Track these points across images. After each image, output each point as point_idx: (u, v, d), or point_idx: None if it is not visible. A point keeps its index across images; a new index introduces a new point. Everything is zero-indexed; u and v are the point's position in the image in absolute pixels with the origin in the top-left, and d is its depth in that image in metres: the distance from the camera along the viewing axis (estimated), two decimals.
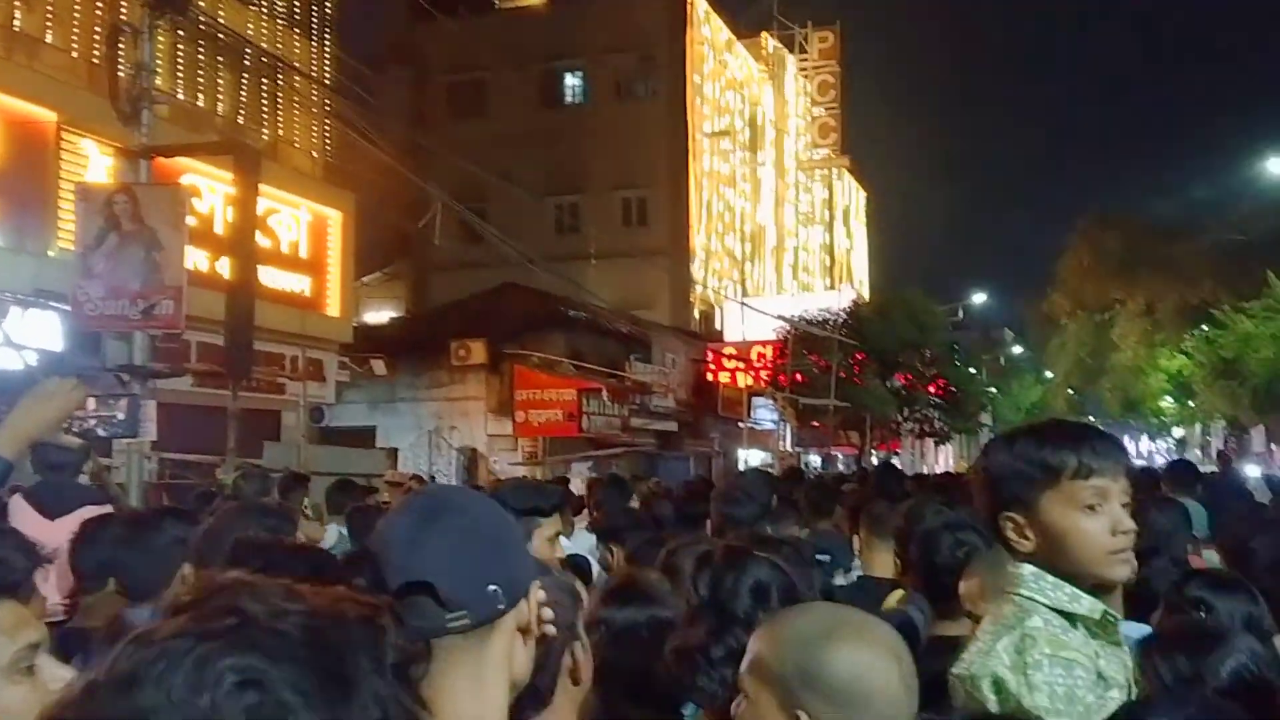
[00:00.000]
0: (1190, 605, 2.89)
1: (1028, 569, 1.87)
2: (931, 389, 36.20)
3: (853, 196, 56.75)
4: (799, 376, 32.25)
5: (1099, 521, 1.84)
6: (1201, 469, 16.17)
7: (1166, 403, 49.26)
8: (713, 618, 2.10)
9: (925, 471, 35.94)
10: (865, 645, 1.52)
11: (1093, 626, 1.83)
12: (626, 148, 36.40)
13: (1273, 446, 35.71)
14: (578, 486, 12.27)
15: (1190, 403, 43.10)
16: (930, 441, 42.09)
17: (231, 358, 11.22)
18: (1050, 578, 1.85)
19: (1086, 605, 1.83)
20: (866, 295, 45.65)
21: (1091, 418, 77.47)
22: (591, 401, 24.21)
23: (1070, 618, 1.83)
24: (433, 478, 16.49)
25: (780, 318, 33.00)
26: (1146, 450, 79.61)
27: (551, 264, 26.29)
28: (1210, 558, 5.40)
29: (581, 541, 6.27)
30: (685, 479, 20.05)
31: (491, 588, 1.39)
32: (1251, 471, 24.50)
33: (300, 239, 18.01)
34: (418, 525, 1.42)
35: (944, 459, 49.84)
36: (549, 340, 25.35)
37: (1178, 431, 60.95)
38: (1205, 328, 35.15)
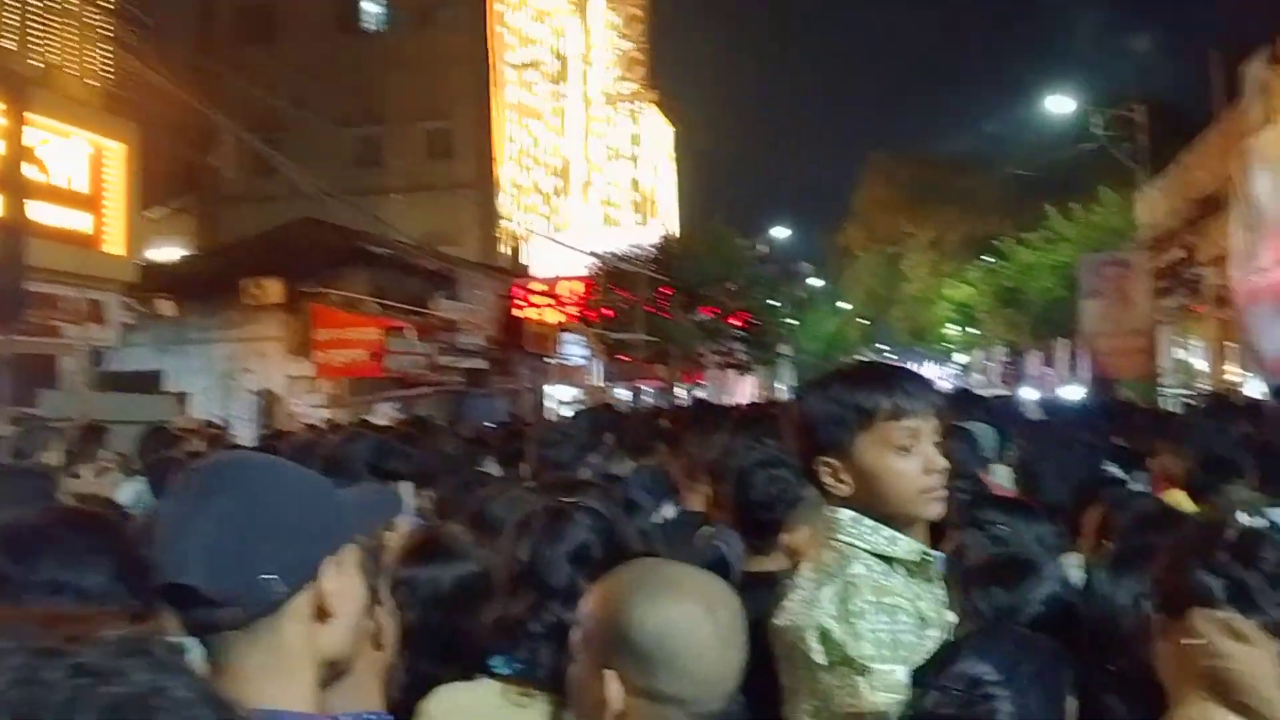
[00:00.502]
0: (985, 528, 3.02)
1: (845, 513, 1.87)
2: (735, 321, 37.01)
3: (660, 132, 57.01)
4: (608, 312, 32.42)
5: (913, 461, 1.86)
6: (984, 392, 17.31)
7: (952, 330, 51.96)
8: (532, 591, 2.04)
9: (729, 402, 36.92)
10: (672, 601, 1.47)
11: (911, 567, 1.86)
12: (429, 78, 35.35)
13: (1047, 370, 38.18)
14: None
15: (974, 330, 45.54)
16: (733, 372, 43.13)
17: (0, 300, 10.44)
18: (868, 521, 1.85)
19: (905, 548, 1.85)
20: (675, 230, 46.11)
21: (881, 346, 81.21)
22: (396, 340, 23.66)
23: (889, 560, 1.84)
24: (227, 423, 15.79)
25: (589, 253, 32.99)
26: (934, 376, 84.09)
27: (352, 198, 25.45)
28: (999, 473, 5.71)
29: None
30: (490, 417, 19.90)
31: (265, 577, 1.28)
32: (1029, 394, 26.19)
33: (77, 172, 16.73)
34: (185, 512, 1.30)
35: (747, 389, 51.26)
36: (350, 277, 24.51)
37: (962, 358, 64.52)
38: (989, 258, 37.05)
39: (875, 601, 1.75)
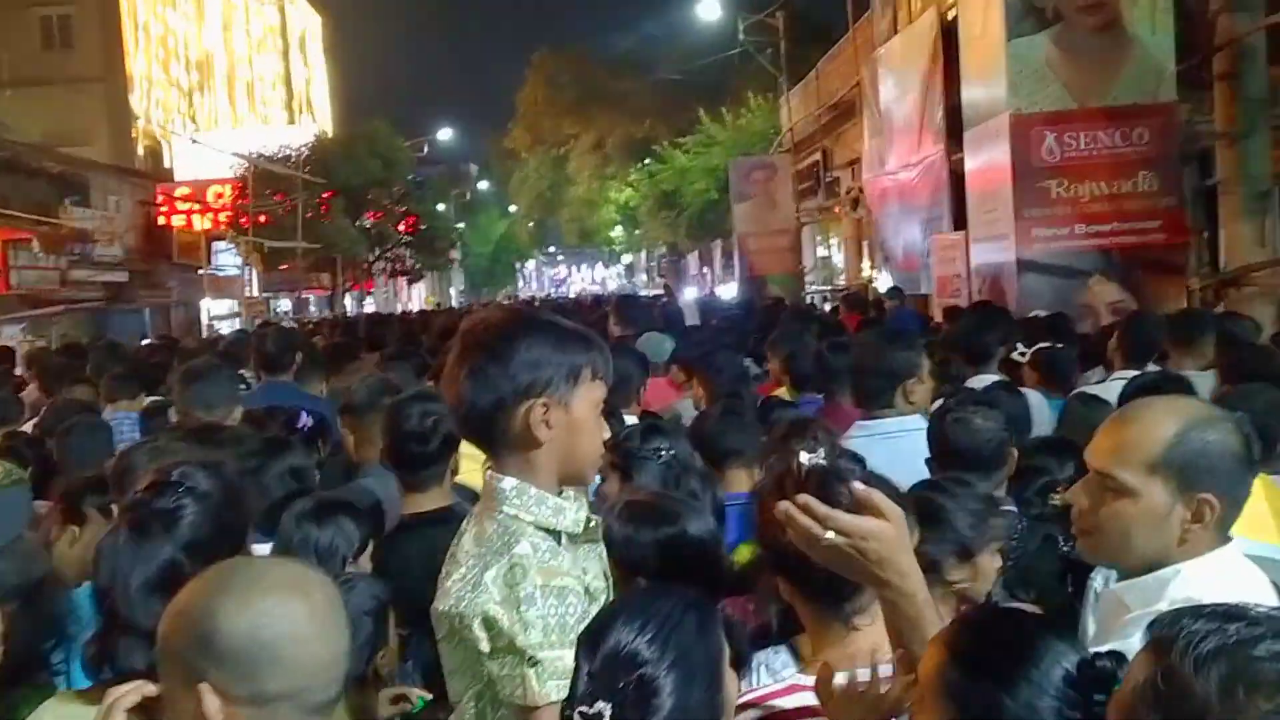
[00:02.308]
0: (654, 456, 3.05)
1: (509, 482, 1.79)
2: (402, 227, 36.16)
3: (308, 22, 53.99)
4: (263, 217, 30.71)
5: (601, 425, 1.86)
6: (647, 291, 17.96)
7: (617, 232, 53.29)
8: (118, 627, 1.82)
9: (401, 310, 36.25)
10: (259, 595, 1.36)
11: (575, 536, 1.81)
12: None
13: (705, 269, 40.06)
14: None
15: (637, 231, 46.88)
16: (403, 280, 42.33)
17: None
18: (533, 491, 1.78)
19: (570, 519, 1.80)
20: (330, 130, 44.11)
21: (551, 248, 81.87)
22: (19, 253, 21.43)
23: (554, 533, 1.78)
24: None
25: (237, 155, 30.99)
26: (600, 277, 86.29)
27: None
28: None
29: None
30: (137, 335, 18.50)
31: None
32: (689, 294, 27.41)
33: None
34: None
35: (417, 297, 50.51)
36: None
37: (627, 258, 66.49)
38: (648, 161, 38.00)
39: (544, 585, 1.69)
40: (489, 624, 1.68)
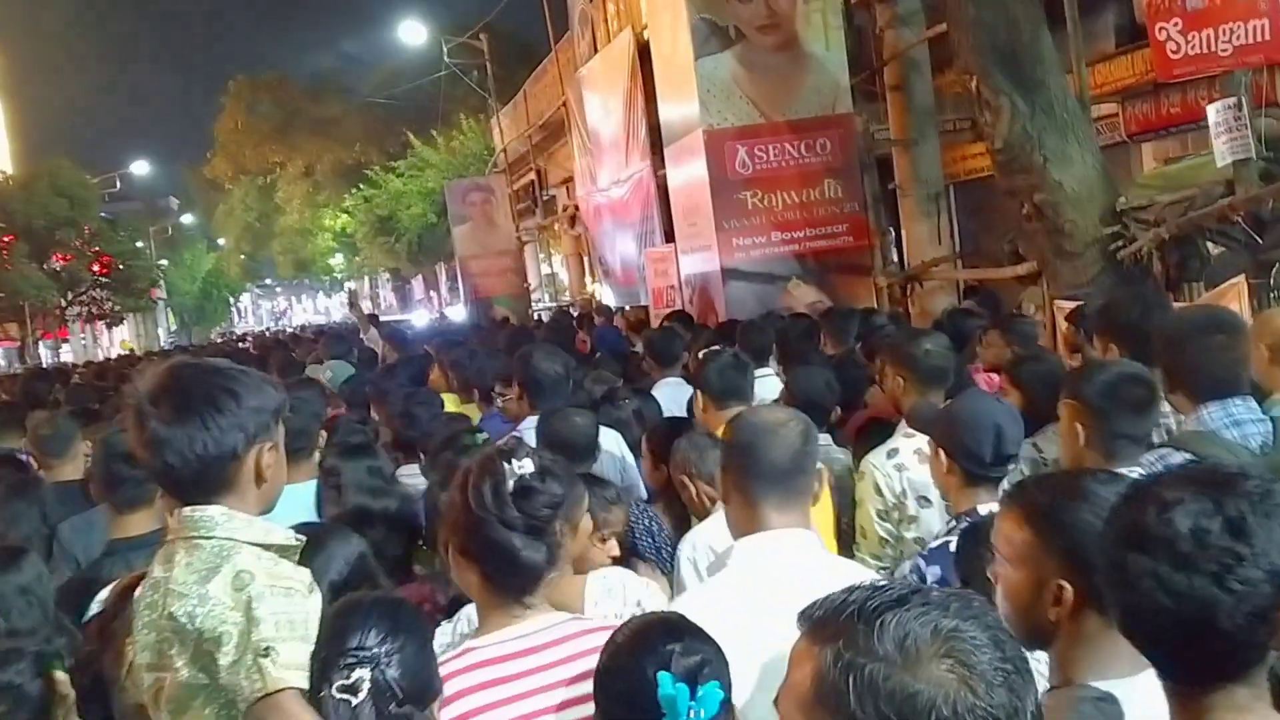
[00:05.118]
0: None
1: (216, 510, 1.81)
2: (96, 268, 33.82)
3: None
4: None
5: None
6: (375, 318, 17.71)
7: (336, 260, 51.82)
8: None
9: (101, 357, 33.85)
10: None
11: (288, 553, 1.86)
12: None
13: (431, 293, 39.58)
14: None
15: (357, 258, 45.74)
16: (102, 324, 39.51)
17: None
18: (240, 516, 1.82)
19: (281, 535, 1.87)
20: (9, 169, 40.68)
21: (268, 280, 78.57)
22: None
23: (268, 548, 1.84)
24: None
25: None
26: (323, 306, 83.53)
27: None
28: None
29: None
30: None
31: None
32: (419, 320, 27.04)
33: None
34: None
35: (119, 341, 47.28)
36: None
37: (351, 285, 64.74)
38: (362, 186, 37.17)
39: (271, 585, 1.73)
40: (223, 639, 1.68)
